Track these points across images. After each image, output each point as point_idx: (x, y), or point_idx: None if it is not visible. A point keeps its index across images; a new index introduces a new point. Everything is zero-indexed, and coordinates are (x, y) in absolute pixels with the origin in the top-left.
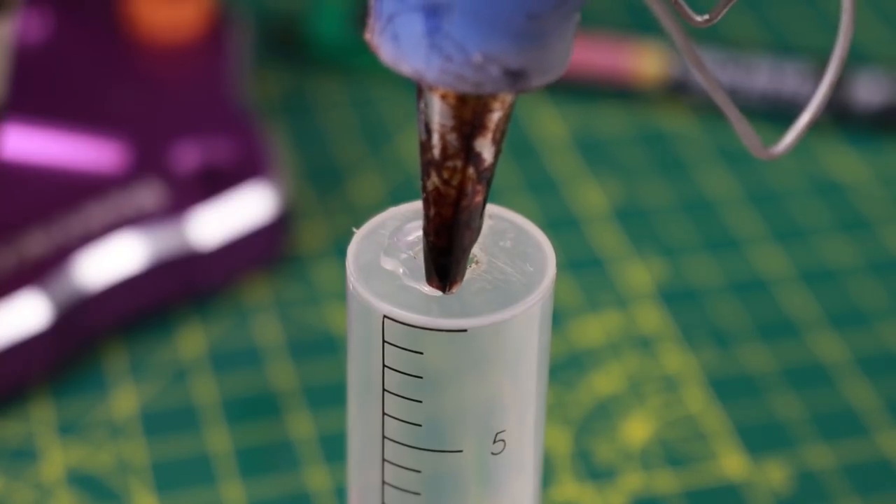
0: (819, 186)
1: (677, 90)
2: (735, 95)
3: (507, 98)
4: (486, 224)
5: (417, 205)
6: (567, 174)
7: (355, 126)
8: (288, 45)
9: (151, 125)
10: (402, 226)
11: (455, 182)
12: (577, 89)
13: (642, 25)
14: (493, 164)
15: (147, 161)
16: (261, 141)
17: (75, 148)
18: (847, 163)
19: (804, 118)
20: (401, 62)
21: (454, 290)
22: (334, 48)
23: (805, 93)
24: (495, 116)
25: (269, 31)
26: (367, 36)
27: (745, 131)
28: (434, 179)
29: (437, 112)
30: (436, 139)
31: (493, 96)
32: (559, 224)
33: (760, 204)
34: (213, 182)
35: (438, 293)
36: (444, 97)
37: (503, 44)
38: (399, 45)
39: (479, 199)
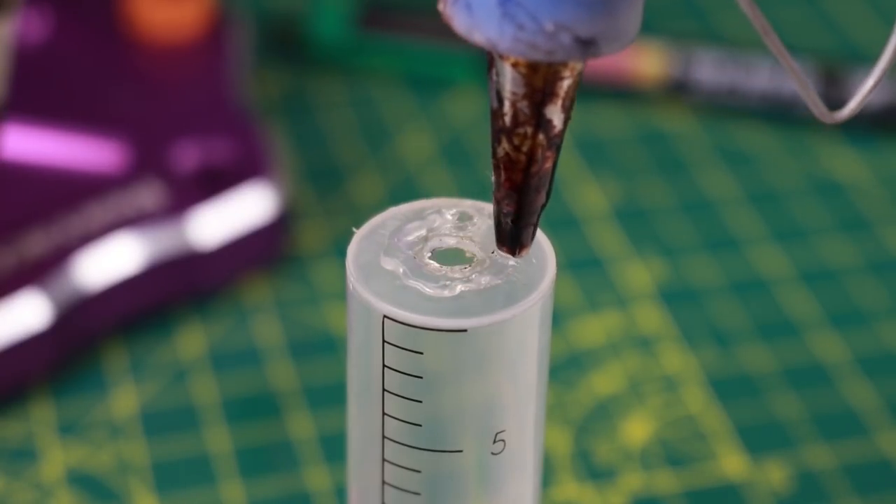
0: (819, 186)
1: (677, 90)
2: (735, 95)
3: (578, 66)
4: (486, 224)
5: (417, 205)
6: (567, 174)
7: (355, 126)
8: (288, 45)
9: (151, 125)
10: (402, 226)
11: (525, 148)
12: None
13: (642, 25)
14: (563, 131)
15: (147, 161)
16: (261, 141)
17: (75, 148)
18: (847, 163)
19: (869, 83)
20: (474, 31)
21: (523, 254)
22: (334, 48)
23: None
24: (565, 84)
25: (269, 31)
26: (440, 6)
27: (809, 96)
28: (505, 146)
29: (509, 80)
30: (507, 107)
31: (564, 64)
32: (559, 224)
33: (760, 204)
34: (213, 182)
35: (438, 293)
36: (515, 65)
37: (575, 12)
38: (472, 14)
39: (548, 164)
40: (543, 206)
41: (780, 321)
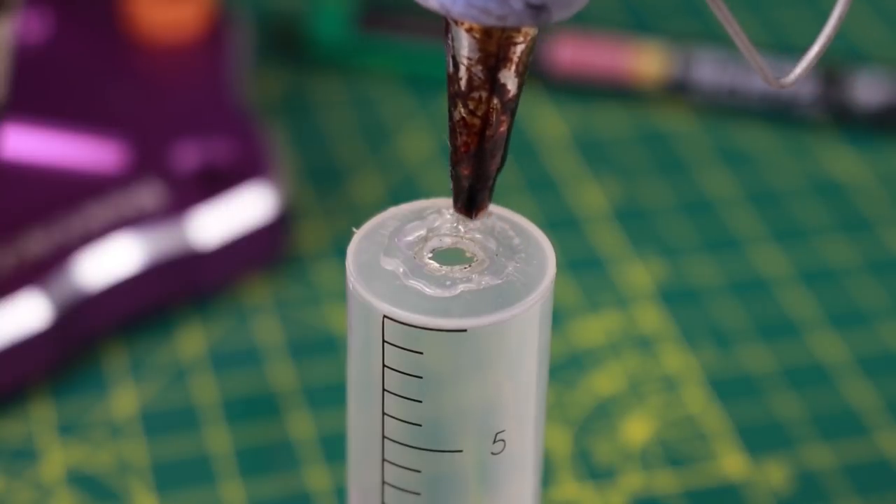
0: (819, 186)
1: (677, 90)
2: (735, 95)
3: (530, 31)
4: (486, 223)
5: (417, 204)
6: (567, 174)
7: (355, 126)
8: (288, 45)
9: (151, 125)
10: (402, 226)
11: (480, 112)
12: (577, 89)
13: (642, 25)
14: (517, 95)
15: (147, 161)
16: (261, 141)
17: (75, 148)
18: (847, 163)
19: (814, 49)
20: None
21: (480, 216)
22: (334, 48)
23: (805, 93)
24: (519, 49)
25: (269, 31)
26: None
27: (756, 62)
28: (460, 110)
29: (464, 45)
30: (462, 71)
31: (517, 29)
32: (559, 224)
33: (760, 204)
34: (213, 182)
35: (438, 293)
36: (470, 31)
37: None
38: None
39: (503, 128)
40: (499, 169)
41: (780, 321)
